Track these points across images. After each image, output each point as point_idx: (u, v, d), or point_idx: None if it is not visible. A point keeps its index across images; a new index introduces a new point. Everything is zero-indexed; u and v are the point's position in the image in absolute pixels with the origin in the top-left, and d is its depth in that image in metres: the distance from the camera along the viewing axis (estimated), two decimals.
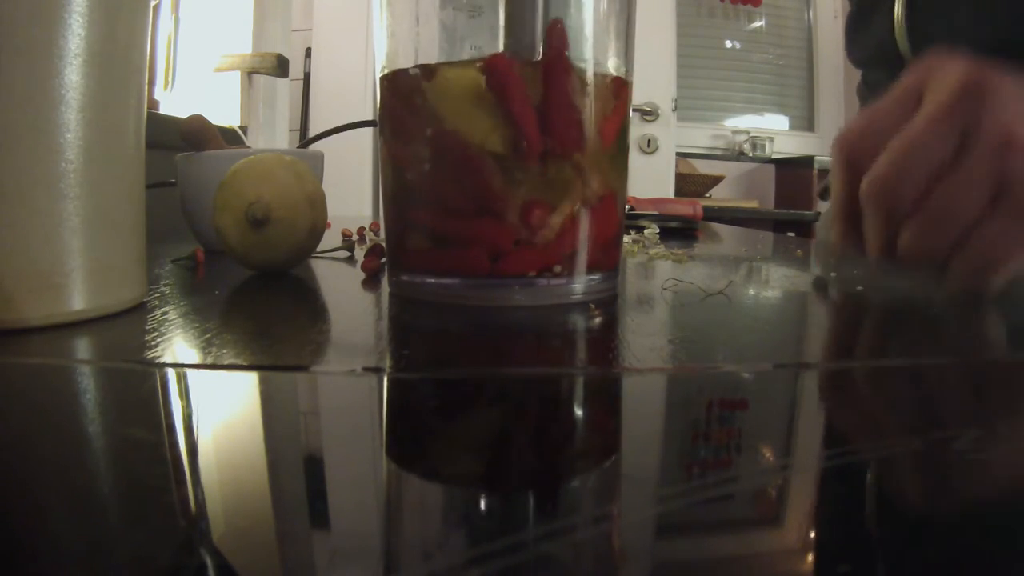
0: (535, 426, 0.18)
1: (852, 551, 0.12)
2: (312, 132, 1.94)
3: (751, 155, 2.71)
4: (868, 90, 0.71)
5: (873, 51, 0.66)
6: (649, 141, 2.33)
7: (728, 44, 2.75)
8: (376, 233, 0.68)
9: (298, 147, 0.61)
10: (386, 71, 0.33)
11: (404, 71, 0.32)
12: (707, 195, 2.61)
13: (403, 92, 0.32)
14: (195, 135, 0.52)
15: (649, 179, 2.29)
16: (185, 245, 0.50)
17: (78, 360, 0.23)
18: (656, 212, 0.93)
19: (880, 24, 0.62)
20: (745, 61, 2.77)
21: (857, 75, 0.74)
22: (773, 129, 2.79)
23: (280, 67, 1.41)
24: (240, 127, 1.35)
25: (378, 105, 0.34)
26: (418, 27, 0.31)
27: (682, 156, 2.54)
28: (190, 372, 0.21)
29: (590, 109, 0.31)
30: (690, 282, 0.39)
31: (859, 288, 0.43)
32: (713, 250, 0.65)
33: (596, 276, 0.33)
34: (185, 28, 1.34)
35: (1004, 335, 0.32)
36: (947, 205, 0.31)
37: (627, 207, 0.84)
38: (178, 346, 0.24)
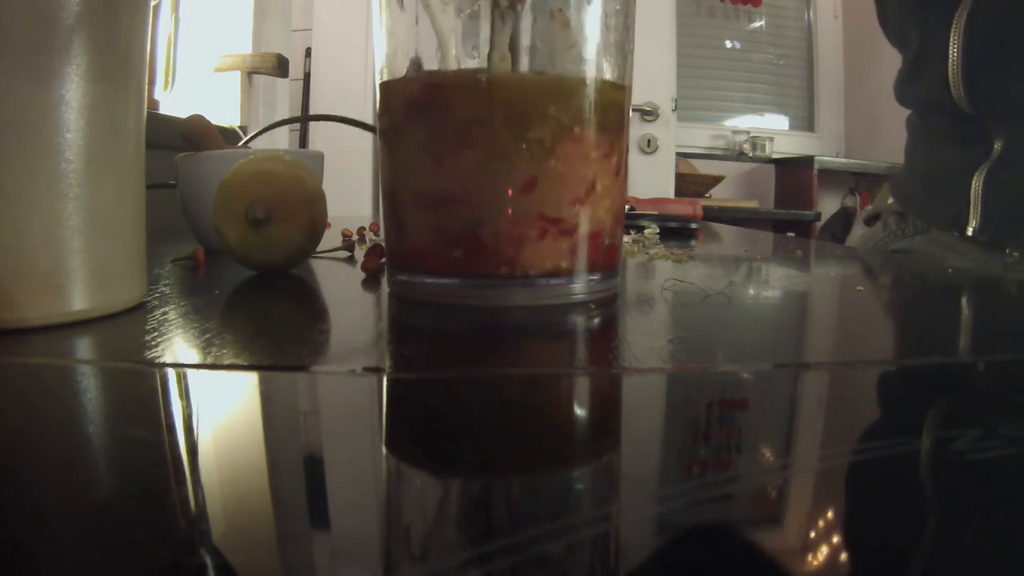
0: (535, 426, 0.18)
1: (852, 551, 0.12)
2: (312, 132, 1.94)
3: (751, 155, 2.71)
4: (923, 124, 0.70)
5: (928, 103, 0.65)
6: (649, 141, 2.33)
7: (728, 44, 2.75)
8: (376, 233, 0.68)
9: (243, 142, 0.61)
10: (385, 74, 0.33)
11: (403, 78, 0.32)
12: (707, 195, 2.61)
13: (402, 96, 0.32)
14: (195, 135, 0.52)
15: (649, 179, 2.29)
16: (185, 245, 0.49)
17: (78, 360, 0.23)
18: (656, 212, 0.93)
19: (932, 78, 0.62)
20: (745, 61, 2.77)
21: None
22: (773, 129, 2.79)
23: (280, 67, 1.41)
24: (240, 127, 1.35)
25: (377, 106, 0.34)
26: (417, 27, 0.31)
27: (682, 156, 2.54)
28: (190, 372, 0.21)
29: (590, 111, 0.31)
30: (690, 282, 0.39)
31: (859, 288, 0.43)
32: (713, 250, 0.65)
33: (596, 276, 0.33)
34: (185, 28, 1.34)
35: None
36: None
37: (627, 207, 0.84)
38: (178, 346, 0.24)
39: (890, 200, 0.75)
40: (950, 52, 0.59)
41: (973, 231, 0.62)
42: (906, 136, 0.74)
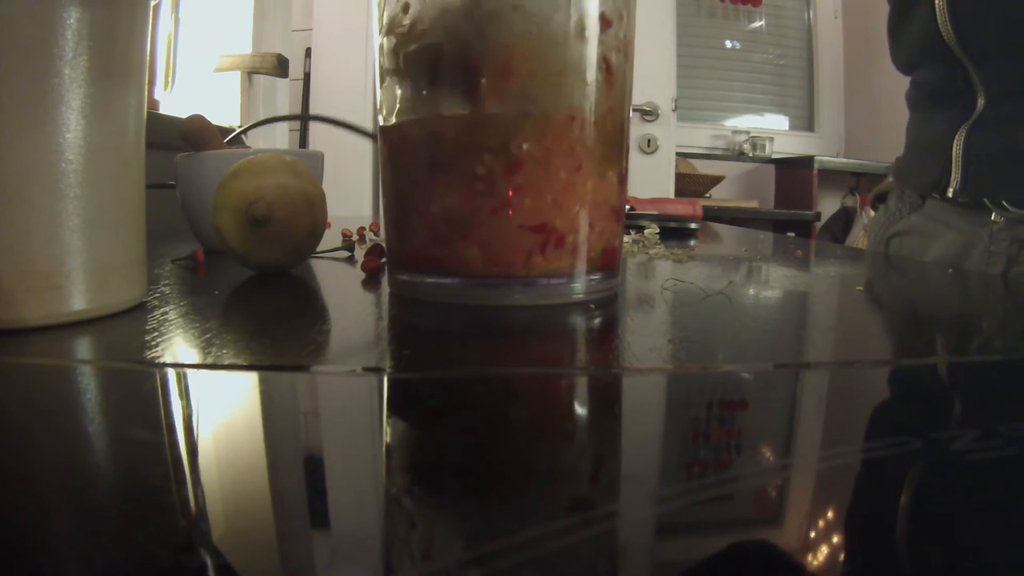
0: (535, 426, 0.18)
1: (852, 551, 0.12)
2: (312, 132, 1.94)
3: (751, 155, 2.72)
4: (918, 92, 0.70)
5: (917, 47, 0.66)
6: (649, 141, 2.33)
7: (728, 44, 2.75)
8: (376, 233, 0.68)
9: (237, 133, 0.61)
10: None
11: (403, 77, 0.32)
12: (707, 195, 2.61)
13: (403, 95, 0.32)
14: (195, 135, 0.52)
15: (649, 179, 2.29)
16: (185, 245, 0.49)
17: (78, 360, 0.23)
18: (656, 212, 0.93)
19: (922, 17, 0.62)
20: (745, 61, 2.77)
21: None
22: (773, 129, 2.79)
23: (280, 67, 1.41)
24: (240, 127, 1.35)
25: (378, 106, 0.34)
26: None
27: (682, 156, 2.54)
28: (190, 372, 0.21)
29: (590, 110, 0.31)
30: (690, 282, 0.39)
31: (859, 288, 0.43)
32: (713, 250, 0.65)
33: (596, 276, 0.33)
34: (185, 28, 1.34)
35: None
36: None
37: (627, 207, 0.84)
38: (178, 346, 0.24)
39: (890, 179, 0.76)
40: None
41: (953, 192, 0.63)
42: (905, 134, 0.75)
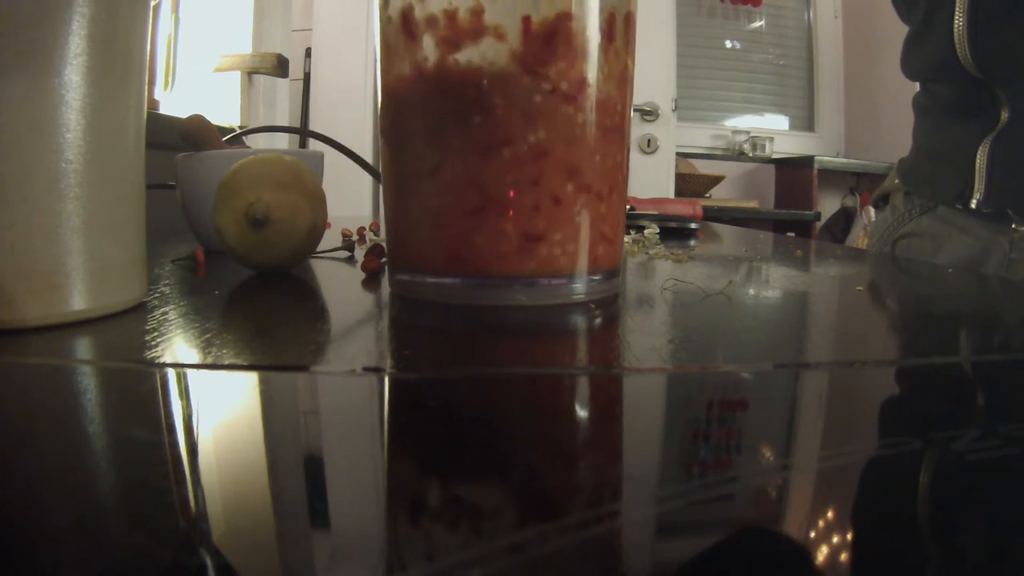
0: (535, 426, 0.18)
1: (852, 551, 0.12)
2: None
3: (751, 155, 2.72)
4: (931, 101, 0.70)
5: (932, 65, 0.65)
6: (649, 141, 2.33)
7: (728, 44, 2.76)
8: (376, 233, 0.68)
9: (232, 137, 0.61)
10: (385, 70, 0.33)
11: (405, 70, 0.32)
12: (707, 195, 2.61)
13: (404, 92, 0.32)
14: (195, 135, 0.52)
15: (649, 179, 2.29)
16: (185, 245, 0.50)
17: (78, 360, 0.23)
18: (656, 212, 0.93)
19: (938, 39, 0.61)
20: (745, 61, 2.77)
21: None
22: (773, 129, 2.79)
23: (280, 67, 1.41)
24: (240, 127, 1.35)
25: (379, 105, 0.34)
26: None
27: (682, 156, 2.54)
28: (190, 372, 0.21)
29: (590, 111, 0.31)
30: (690, 282, 0.39)
31: (859, 288, 0.43)
32: (713, 250, 0.65)
33: (596, 276, 0.33)
34: (185, 28, 1.34)
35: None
36: None
37: (627, 207, 0.84)
38: (178, 346, 0.24)
39: (896, 180, 0.75)
40: (956, 10, 0.59)
41: (977, 203, 0.62)
42: (909, 129, 0.74)
